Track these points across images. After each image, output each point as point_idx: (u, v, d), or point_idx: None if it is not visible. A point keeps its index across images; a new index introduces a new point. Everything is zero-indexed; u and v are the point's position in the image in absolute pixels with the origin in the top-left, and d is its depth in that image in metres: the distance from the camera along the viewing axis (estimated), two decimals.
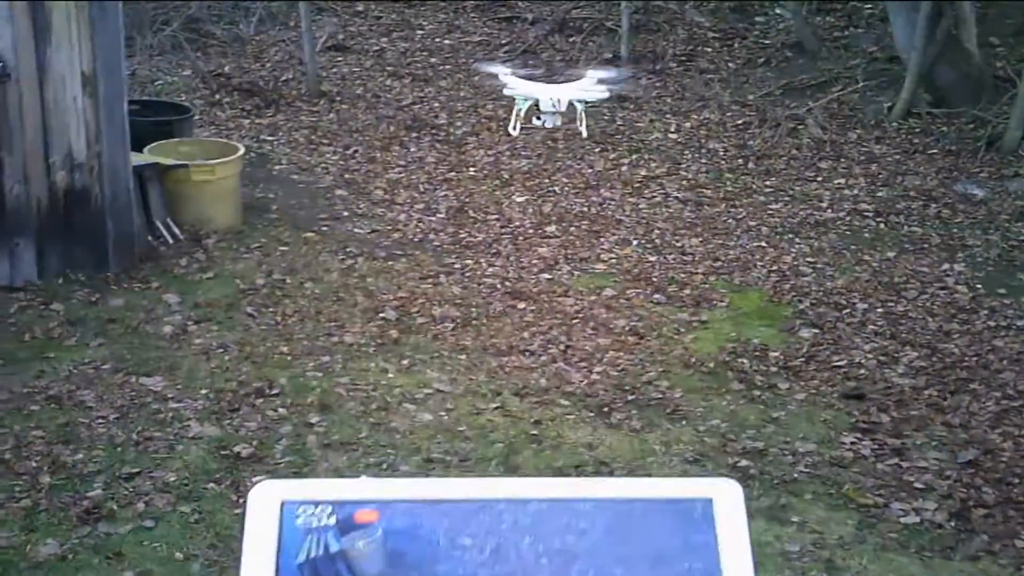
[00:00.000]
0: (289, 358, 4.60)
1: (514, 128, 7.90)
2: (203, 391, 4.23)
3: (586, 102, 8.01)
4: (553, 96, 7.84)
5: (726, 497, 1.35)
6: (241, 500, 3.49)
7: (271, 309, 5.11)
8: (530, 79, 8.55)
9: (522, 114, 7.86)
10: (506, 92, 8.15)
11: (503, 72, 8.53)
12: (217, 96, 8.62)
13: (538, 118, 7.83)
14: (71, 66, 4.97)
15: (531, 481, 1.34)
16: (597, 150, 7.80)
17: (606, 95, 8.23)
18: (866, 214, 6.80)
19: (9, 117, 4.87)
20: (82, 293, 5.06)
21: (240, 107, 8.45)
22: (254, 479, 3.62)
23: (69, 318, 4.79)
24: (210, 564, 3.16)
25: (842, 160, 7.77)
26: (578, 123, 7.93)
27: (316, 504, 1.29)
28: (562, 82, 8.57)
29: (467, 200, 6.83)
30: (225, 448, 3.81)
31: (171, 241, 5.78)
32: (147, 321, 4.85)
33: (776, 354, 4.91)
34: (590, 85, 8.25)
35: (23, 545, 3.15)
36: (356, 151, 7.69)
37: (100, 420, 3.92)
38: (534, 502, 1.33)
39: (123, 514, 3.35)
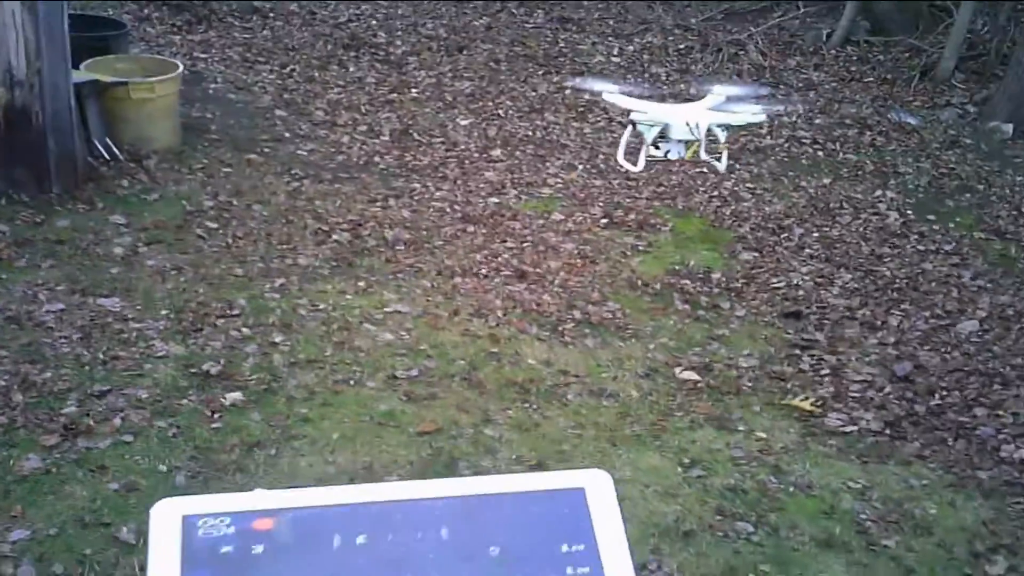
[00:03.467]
0: (245, 279, 4.63)
1: (632, 161, 6.38)
2: (163, 312, 4.24)
3: (729, 126, 6.50)
4: (690, 120, 6.30)
5: (597, 486, 1.47)
6: (216, 415, 3.56)
7: (221, 231, 5.10)
8: (648, 99, 7.13)
9: (648, 142, 6.35)
10: (634, 117, 6.48)
11: (609, 91, 7.10)
12: (146, 11, 8.40)
13: (656, 146, 6.35)
14: None
15: (416, 483, 1.45)
16: (540, 73, 7.84)
17: (762, 118, 6.72)
18: (804, 141, 7.01)
19: None
20: (26, 213, 4.98)
21: (171, 23, 8.25)
22: (226, 395, 3.69)
23: (16, 239, 4.72)
24: (193, 475, 3.23)
25: (781, 87, 7.95)
26: (714, 154, 6.36)
27: (215, 516, 1.37)
28: (692, 101, 7.10)
29: (411, 123, 6.83)
30: (193, 366, 3.85)
31: (110, 160, 5.69)
32: (96, 243, 4.81)
33: (718, 276, 5.10)
34: (721, 103, 6.83)
35: (6, 460, 3.17)
36: (293, 70, 7.60)
37: (63, 340, 3.92)
38: (422, 501, 1.43)
39: (100, 429, 3.39)
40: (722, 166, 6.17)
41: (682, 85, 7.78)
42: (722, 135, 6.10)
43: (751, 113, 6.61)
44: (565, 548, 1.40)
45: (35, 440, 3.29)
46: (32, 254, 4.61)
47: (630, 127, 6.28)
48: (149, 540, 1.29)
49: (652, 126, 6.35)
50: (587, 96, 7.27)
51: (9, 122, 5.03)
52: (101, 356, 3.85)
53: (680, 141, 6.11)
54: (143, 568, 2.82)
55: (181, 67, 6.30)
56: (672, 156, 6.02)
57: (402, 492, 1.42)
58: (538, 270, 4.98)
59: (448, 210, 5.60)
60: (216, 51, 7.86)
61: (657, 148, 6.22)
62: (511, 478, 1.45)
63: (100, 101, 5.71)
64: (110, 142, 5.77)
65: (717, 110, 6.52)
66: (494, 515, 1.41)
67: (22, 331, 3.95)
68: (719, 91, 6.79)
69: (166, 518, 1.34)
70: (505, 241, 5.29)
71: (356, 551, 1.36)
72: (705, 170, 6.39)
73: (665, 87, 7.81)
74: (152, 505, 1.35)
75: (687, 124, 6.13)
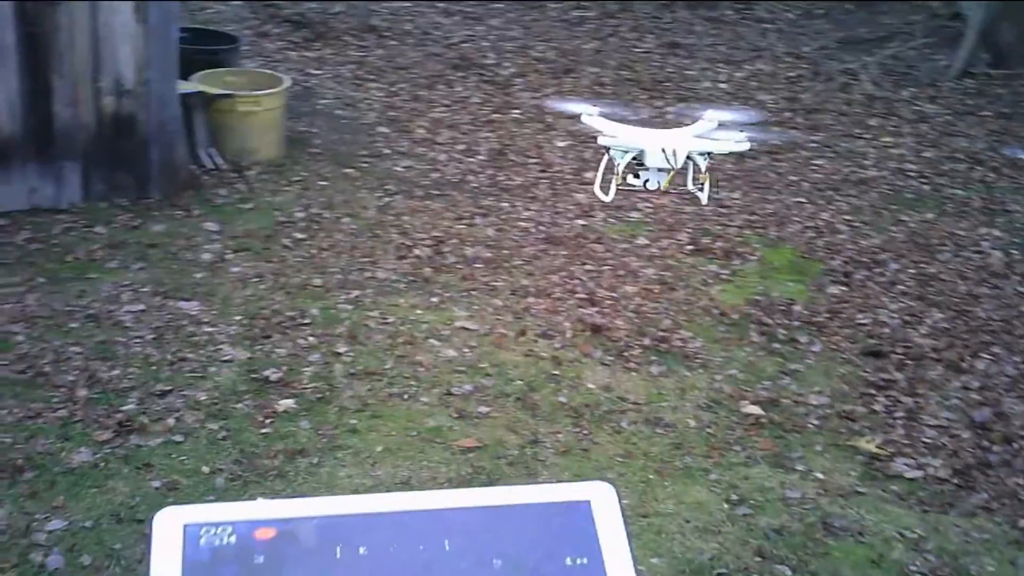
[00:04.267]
0: (322, 290, 4.73)
1: (605, 189, 5.76)
2: (237, 317, 4.37)
3: (710, 154, 5.79)
4: (667, 147, 5.64)
5: (602, 498, 1.43)
6: (267, 420, 3.65)
7: (307, 242, 5.23)
8: (625, 122, 6.11)
9: (620, 170, 5.66)
10: (601, 141, 5.86)
11: (587, 112, 6.22)
12: (266, 27, 8.70)
13: (636, 175, 5.68)
14: None
15: (420, 494, 1.43)
16: (644, 97, 7.79)
17: (746, 146, 5.91)
18: (910, 174, 6.76)
19: (60, 41, 4.98)
20: (124, 217, 5.21)
21: (288, 39, 8.53)
22: (281, 402, 3.77)
23: (111, 241, 4.94)
24: (233, 479, 3.31)
25: (892, 118, 7.69)
26: (692, 184, 5.68)
27: (217, 525, 1.38)
28: (672, 127, 6.17)
29: (508, 143, 6.87)
30: (255, 371, 3.95)
31: (213, 170, 5.91)
32: (187, 248, 4.99)
33: (800, 309, 4.94)
34: (711, 130, 5.99)
35: (59, 452, 3.32)
36: (401, 88, 7.75)
37: (137, 339, 4.08)
38: (426, 512, 1.42)
39: (154, 428, 3.51)
40: (704, 197, 5.65)
41: (788, 113, 7.60)
42: (703, 163, 5.44)
43: (734, 141, 5.95)
44: (569, 561, 1.39)
45: (89, 435, 3.43)
46: (124, 256, 4.82)
47: (606, 153, 5.92)
48: (151, 548, 1.31)
49: (625, 152, 5.53)
50: (565, 117, 7.07)
51: (115, 129, 5.29)
52: (169, 357, 3.99)
53: (661, 170, 5.36)
54: None
55: (288, 82, 6.50)
56: (651, 186, 5.54)
57: (406, 503, 1.43)
58: (613, 294, 4.93)
59: (532, 230, 5.60)
60: (329, 68, 8.08)
61: (637, 177, 5.83)
62: (516, 489, 1.44)
63: (206, 112, 5.94)
64: (214, 152, 5.99)
65: (702, 137, 6.09)
66: (498, 527, 1.40)
67: (99, 329, 4.13)
68: (711, 116, 5.82)
69: (167, 526, 1.36)
70: (585, 264, 5.25)
71: (358, 561, 1.35)
72: (803, 200, 6.22)
73: (769, 114, 7.64)
74: (152, 517, 1.37)
75: (663, 151, 5.41)
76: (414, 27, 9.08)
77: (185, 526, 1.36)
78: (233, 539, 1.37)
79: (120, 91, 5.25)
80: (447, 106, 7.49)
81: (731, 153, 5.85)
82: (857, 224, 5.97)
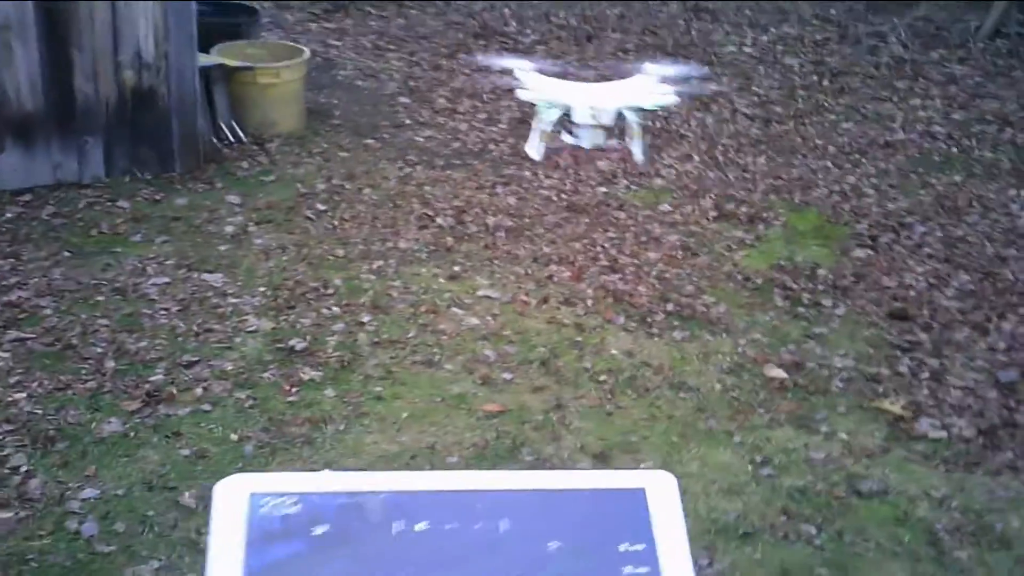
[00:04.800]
0: (345, 260, 4.74)
1: (536, 148, 5.70)
2: (261, 288, 4.40)
3: (642, 110, 5.76)
4: (594, 103, 5.53)
5: (660, 487, 1.43)
6: (293, 389, 3.68)
7: (329, 213, 5.24)
8: (559, 77, 6.32)
9: (548, 129, 5.60)
10: (522, 96, 5.83)
11: (521, 68, 6.22)
12: None
13: (570, 133, 5.66)
14: None
15: (479, 474, 1.44)
16: (668, 62, 7.72)
17: (674, 100, 5.88)
18: (938, 136, 6.68)
19: (79, 15, 5.00)
20: (147, 191, 5.24)
21: (308, 10, 8.51)
22: (306, 371, 3.80)
23: (135, 215, 4.97)
24: (262, 446, 3.34)
25: (920, 80, 7.60)
26: (629, 140, 5.73)
27: (281, 495, 1.39)
28: (606, 81, 6.36)
29: (529, 110, 6.83)
30: (280, 341, 3.98)
31: (235, 143, 5.93)
32: (210, 221, 5.02)
33: (825, 273, 4.91)
34: (648, 86, 5.94)
35: (89, 422, 3.37)
36: (422, 58, 7.72)
37: (163, 312, 4.11)
38: (484, 492, 1.42)
39: (182, 398, 3.55)
40: (639, 153, 5.38)
41: (814, 77, 7.51)
42: (634, 119, 5.29)
43: (661, 94, 5.50)
44: (624, 547, 1.40)
45: (118, 405, 3.47)
46: (148, 230, 4.85)
47: (538, 111, 5.49)
48: (213, 515, 1.32)
49: (551, 108, 5.50)
50: (498, 73, 6.89)
51: (136, 103, 5.31)
52: (195, 328, 4.02)
53: (595, 127, 5.21)
54: (200, 532, 2.94)
55: (308, 53, 6.49)
56: (585, 144, 5.34)
57: (465, 482, 1.45)
58: (636, 261, 4.91)
59: (554, 198, 5.59)
60: (349, 39, 8.06)
61: (571, 134, 5.30)
62: (574, 474, 1.46)
63: (227, 85, 5.94)
64: (235, 125, 6.00)
65: (629, 92, 5.58)
66: (555, 510, 1.41)
67: (125, 302, 4.17)
68: (651, 70, 5.82)
69: (232, 494, 1.39)
70: (607, 231, 5.23)
71: (416, 537, 1.38)
72: (829, 164, 6.16)
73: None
74: (220, 476, 1.39)
75: (590, 108, 5.26)
76: None
77: (251, 495, 1.38)
78: (296, 509, 1.39)
79: (140, 65, 5.26)
80: (467, 75, 7.46)
81: (659, 107, 5.82)
82: (884, 188, 5.91)
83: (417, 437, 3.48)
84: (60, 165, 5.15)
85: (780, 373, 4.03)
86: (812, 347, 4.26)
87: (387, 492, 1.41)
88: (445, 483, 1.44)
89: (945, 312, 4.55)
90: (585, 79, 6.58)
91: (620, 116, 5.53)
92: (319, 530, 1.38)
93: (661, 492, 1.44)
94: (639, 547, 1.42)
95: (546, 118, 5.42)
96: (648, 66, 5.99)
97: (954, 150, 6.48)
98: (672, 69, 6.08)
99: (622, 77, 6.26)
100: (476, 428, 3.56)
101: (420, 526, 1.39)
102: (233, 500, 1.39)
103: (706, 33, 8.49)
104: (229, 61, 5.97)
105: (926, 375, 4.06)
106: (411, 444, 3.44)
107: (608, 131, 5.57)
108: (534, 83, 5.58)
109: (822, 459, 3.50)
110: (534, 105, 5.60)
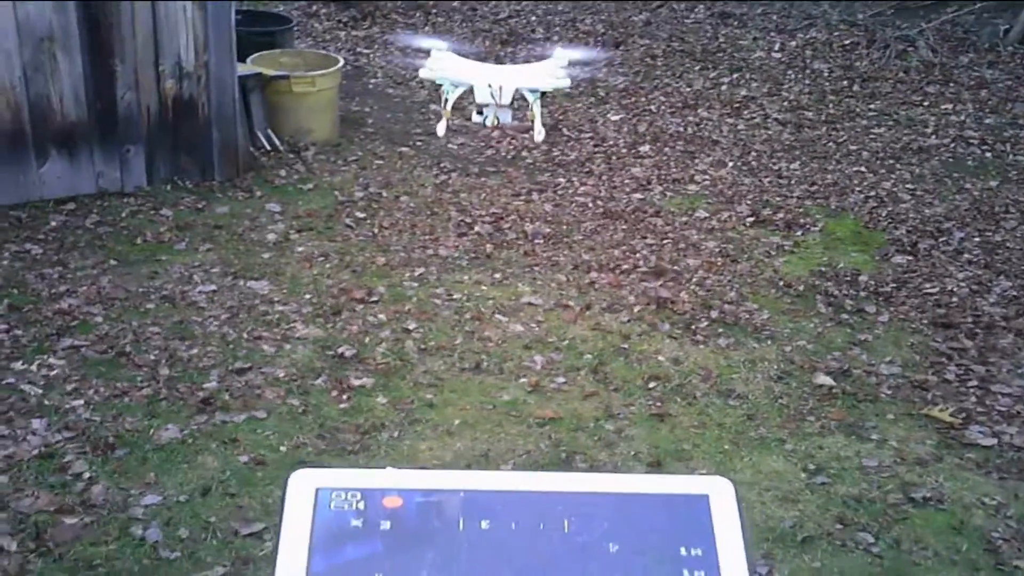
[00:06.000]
0: (387, 268, 4.77)
1: (440, 127, 5.90)
2: (307, 296, 4.43)
3: (540, 92, 5.88)
4: (492, 83, 5.65)
5: (720, 493, 1.45)
6: (345, 396, 3.70)
7: (368, 221, 5.27)
8: (466, 57, 6.45)
9: (449, 107, 5.78)
10: (422, 75, 5.94)
11: (437, 47, 6.27)
12: (314, 7, 8.74)
13: (479, 112, 5.85)
14: None
15: (542, 475, 1.47)
16: (697, 68, 7.74)
17: (566, 83, 5.99)
18: (971, 141, 6.67)
19: (122, 26, 5.04)
20: (189, 199, 5.28)
21: (337, 19, 8.56)
22: (357, 378, 3.82)
23: (178, 223, 5.01)
24: (318, 453, 3.36)
25: (951, 84, 7.59)
26: (530, 119, 5.89)
27: (347, 491, 1.42)
28: (514, 63, 6.64)
29: (560, 118, 6.86)
30: (329, 348, 4.00)
31: (271, 151, 5.97)
32: (252, 229, 5.05)
33: (866, 279, 4.91)
34: (551, 69, 6.06)
35: (147, 429, 3.40)
36: None
37: (212, 319, 4.14)
38: (548, 494, 1.45)
39: (236, 405, 3.57)
40: (537, 134, 5.44)
41: (844, 82, 7.51)
42: (532, 99, 5.37)
43: (557, 79, 5.68)
44: (684, 551, 1.42)
45: (175, 412, 3.50)
46: (192, 238, 4.88)
47: (442, 90, 5.72)
48: (284, 508, 1.36)
49: (455, 87, 5.68)
50: (412, 52, 6.88)
51: (177, 113, 5.35)
52: (245, 336, 4.05)
53: (500, 106, 5.41)
54: (262, 538, 2.96)
55: (342, 62, 6.53)
56: (489, 122, 5.43)
57: (528, 482, 1.47)
58: (676, 267, 4.92)
59: (590, 205, 5.61)
60: (378, 46, 8.11)
61: (480, 114, 5.59)
62: (636, 478, 1.48)
63: (263, 94, 5.99)
64: (272, 133, 6.05)
65: (529, 74, 5.82)
66: (616, 513, 1.43)
67: (175, 310, 4.20)
68: (561, 54, 6.02)
69: (301, 488, 1.42)
70: (645, 237, 5.25)
71: (480, 536, 1.40)
72: (864, 169, 6.16)
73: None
74: (278, 483, 1.41)
75: (489, 87, 5.38)
76: (461, 3, 9.07)
77: (317, 489, 1.41)
78: (362, 505, 1.42)
79: (181, 74, 5.30)
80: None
81: (555, 89, 6.04)
82: (920, 193, 5.91)
83: (470, 444, 3.50)
84: (103, 174, 5.19)
85: (828, 380, 4.03)
86: (858, 354, 4.27)
87: (451, 490, 1.43)
88: (509, 483, 1.46)
89: (989, 319, 4.54)
90: (493, 60, 6.83)
91: (521, 96, 5.80)
92: (384, 526, 1.40)
93: (721, 498, 1.45)
94: (699, 552, 1.43)
95: (449, 97, 5.62)
96: (559, 50, 6.18)
97: (988, 155, 6.47)
98: (579, 53, 6.44)
99: (539, 59, 6.40)
100: (528, 435, 3.57)
101: (484, 524, 1.41)
102: (301, 494, 1.42)
103: (733, 39, 8.50)
104: (266, 70, 6.01)
105: (973, 382, 4.06)
106: (465, 451, 3.46)
107: (511, 110, 5.76)
108: (439, 63, 5.83)
109: (875, 467, 3.50)
110: (439, 85, 5.77)
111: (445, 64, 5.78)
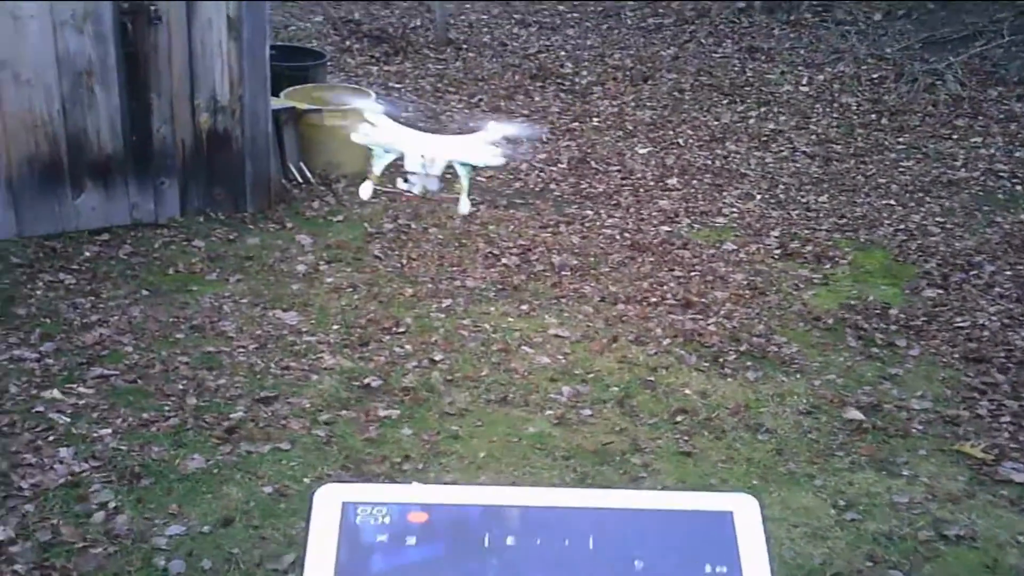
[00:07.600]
0: (414, 299, 4.78)
1: (364, 189, 6.52)
2: (335, 327, 4.45)
3: (472, 167, 6.50)
4: (425, 153, 6.41)
5: (744, 510, 1.45)
6: (371, 427, 3.70)
7: (396, 252, 5.30)
8: (402, 124, 6.54)
9: (377, 172, 6.49)
10: (354, 139, 6.61)
11: (371, 109, 6.86)
12: (347, 43, 8.85)
13: (405, 179, 6.39)
14: (217, 10, 5.19)
15: (567, 491, 1.47)
16: (725, 102, 7.75)
17: (500, 161, 6.54)
18: (1001, 174, 6.63)
19: (158, 60, 5.13)
20: (221, 231, 5.33)
21: (369, 54, 8.66)
22: (383, 408, 3.83)
23: (209, 254, 5.06)
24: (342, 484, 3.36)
25: (980, 118, 7.56)
26: (458, 192, 6.20)
27: (373, 505, 1.43)
28: (448, 133, 6.39)
29: (589, 151, 6.89)
30: (356, 379, 4.02)
31: (303, 184, 6.02)
32: (282, 260, 5.09)
33: (897, 312, 4.87)
34: (484, 142, 6.70)
35: (172, 459, 3.41)
36: (481, 99, 7.82)
37: (240, 349, 4.17)
38: (573, 509, 1.45)
39: (262, 435, 3.59)
40: (463, 207, 5.55)
41: (872, 115, 7.48)
42: (463, 172, 5.57)
43: (491, 155, 5.87)
44: (708, 568, 1.41)
45: (202, 442, 3.51)
46: (223, 269, 4.93)
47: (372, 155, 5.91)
48: (310, 522, 1.37)
49: (387, 152, 5.78)
50: (346, 111, 7.04)
51: (211, 145, 5.42)
52: (273, 366, 4.07)
53: (429, 175, 5.51)
54: (285, 572, 2.96)
55: (373, 96, 6.60)
56: (415, 191, 5.31)
57: (553, 498, 1.47)
58: (704, 300, 4.91)
59: (618, 237, 5.61)
60: (410, 81, 8.18)
61: (407, 181, 5.70)
62: (660, 495, 1.48)
63: (296, 127, 6.06)
64: (304, 166, 6.11)
65: (462, 147, 6.05)
66: (641, 529, 1.43)
67: (204, 339, 4.23)
68: (494, 128, 6.15)
69: (327, 503, 1.43)
70: (673, 270, 5.24)
71: (505, 551, 1.40)
72: (893, 202, 6.13)
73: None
74: (302, 516, 1.42)
75: (421, 157, 5.45)
76: (491, 39, 9.15)
77: (344, 503, 1.42)
78: (388, 519, 1.42)
79: (215, 108, 5.38)
80: (526, 115, 7.53)
81: (487, 166, 5.99)
82: (950, 226, 5.87)
83: (496, 477, 3.49)
84: (137, 205, 5.26)
85: (858, 415, 3.99)
86: (888, 388, 4.22)
87: (477, 505, 1.44)
88: (534, 499, 1.46)
89: (1021, 353, 4.49)
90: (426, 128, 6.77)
91: (450, 168, 5.86)
92: (410, 540, 1.40)
93: (745, 514, 1.45)
94: (723, 569, 1.43)
95: (377, 163, 5.61)
96: (491, 124, 6.14)
97: (1019, 188, 6.42)
98: (513, 128, 6.32)
99: (472, 131, 6.52)
100: (554, 468, 3.56)
101: (510, 540, 1.42)
102: (327, 508, 1.42)
103: (761, 73, 8.51)
104: (300, 104, 6.08)
105: (1006, 418, 4.00)
106: (491, 484, 3.45)
107: (440, 180, 5.72)
108: (371, 128, 5.82)
109: (906, 503, 3.46)
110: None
111: (380, 130, 5.81)
